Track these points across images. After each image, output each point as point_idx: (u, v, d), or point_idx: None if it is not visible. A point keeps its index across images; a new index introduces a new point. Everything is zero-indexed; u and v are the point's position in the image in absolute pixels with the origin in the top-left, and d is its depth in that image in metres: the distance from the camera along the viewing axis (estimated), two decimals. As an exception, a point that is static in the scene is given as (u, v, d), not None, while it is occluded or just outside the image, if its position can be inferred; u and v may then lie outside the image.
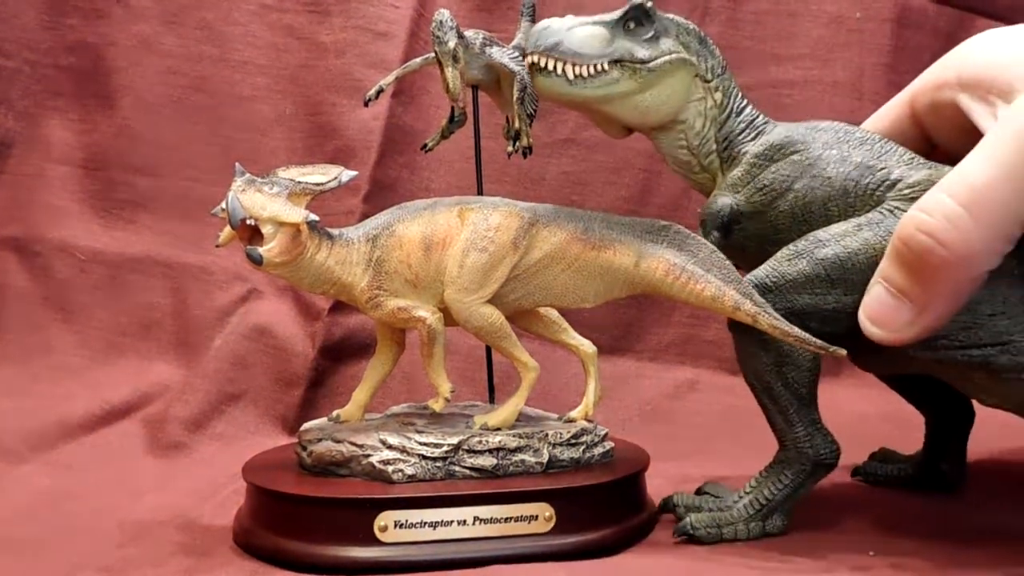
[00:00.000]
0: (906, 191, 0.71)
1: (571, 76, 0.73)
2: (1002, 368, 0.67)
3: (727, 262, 0.71)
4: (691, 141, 0.78)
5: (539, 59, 0.73)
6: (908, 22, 1.28)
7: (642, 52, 0.74)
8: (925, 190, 0.70)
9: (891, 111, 0.82)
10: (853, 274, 0.70)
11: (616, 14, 0.74)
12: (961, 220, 0.61)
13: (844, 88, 1.26)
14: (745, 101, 0.79)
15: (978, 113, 0.68)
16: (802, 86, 1.25)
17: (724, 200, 0.76)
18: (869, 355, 0.73)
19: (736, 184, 0.76)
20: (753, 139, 0.77)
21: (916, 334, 0.65)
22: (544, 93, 0.76)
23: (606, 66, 0.73)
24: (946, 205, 0.62)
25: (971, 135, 0.66)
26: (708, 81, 0.77)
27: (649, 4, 0.74)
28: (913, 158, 0.74)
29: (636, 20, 0.74)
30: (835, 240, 0.71)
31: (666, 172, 1.23)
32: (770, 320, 0.69)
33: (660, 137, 0.79)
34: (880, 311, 0.66)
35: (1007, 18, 1.34)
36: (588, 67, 0.73)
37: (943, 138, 0.77)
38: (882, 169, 0.72)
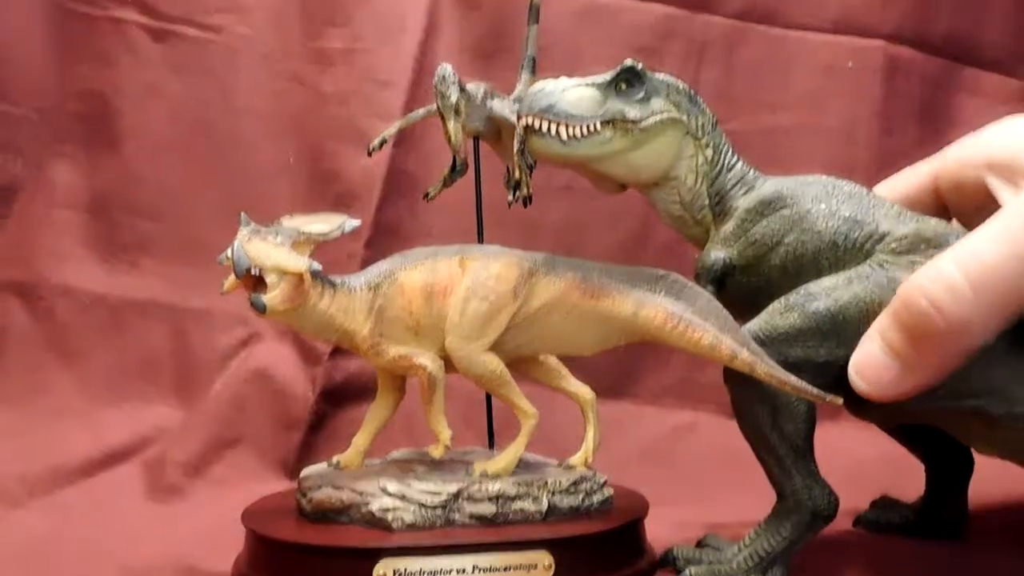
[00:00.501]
0: (893, 244, 0.73)
1: (564, 137, 0.74)
2: (996, 417, 0.68)
3: (724, 311, 0.72)
4: (684, 196, 0.80)
5: (533, 121, 0.74)
6: (898, 71, 1.31)
7: (633, 112, 0.75)
8: (912, 243, 0.72)
9: (911, 182, 0.82)
10: (844, 327, 0.71)
11: (608, 76, 0.76)
12: (963, 293, 0.62)
13: (837, 135, 1.28)
14: (736, 156, 0.81)
15: (1005, 195, 0.69)
16: (797, 133, 1.28)
17: (717, 254, 0.78)
18: (865, 405, 0.74)
19: (728, 238, 0.78)
20: (744, 194, 0.79)
21: (900, 393, 0.66)
22: (539, 153, 0.77)
23: (598, 126, 0.74)
24: (951, 276, 0.62)
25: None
26: (699, 138, 0.79)
27: (640, 66, 0.76)
28: (901, 212, 0.76)
29: (627, 81, 0.76)
30: (826, 294, 0.72)
31: (663, 218, 1.25)
32: (767, 369, 0.69)
33: (654, 193, 0.81)
34: (869, 366, 0.67)
35: (993, 68, 1.37)
36: (581, 128, 0.74)
37: (964, 216, 0.77)
38: (870, 223, 0.74)
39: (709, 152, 0.79)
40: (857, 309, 0.71)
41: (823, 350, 0.72)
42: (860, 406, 0.76)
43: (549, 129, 0.74)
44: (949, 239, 0.71)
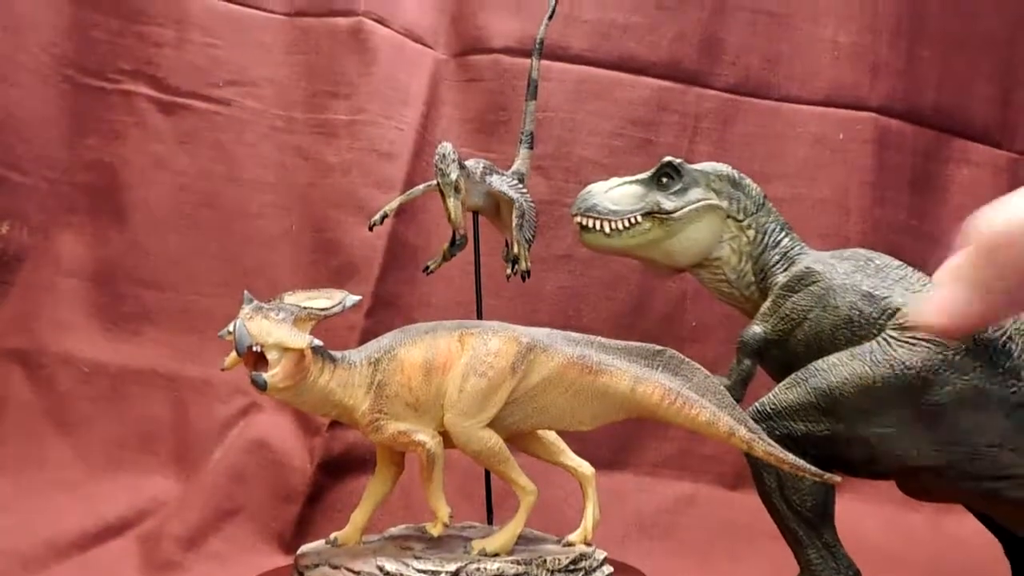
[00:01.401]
0: (901, 320, 0.73)
1: (607, 230, 0.83)
2: (1014, 501, 0.68)
3: (721, 388, 0.73)
4: (729, 275, 0.84)
5: (581, 219, 0.84)
6: (888, 143, 1.35)
7: (668, 203, 0.82)
8: None
9: None
10: (840, 403, 0.71)
11: (650, 172, 0.84)
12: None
13: (830, 205, 1.31)
14: (783, 232, 0.85)
15: None
16: (790, 203, 1.30)
17: (755, 329, 0.81)
18: (908, 485, 0.73)
19: (765, 314, 0.81)
20: (785, 270, 0.82)
21: (967, 317, 0.54)
22: (589, 246, 0.86)
23: (638, 219, 0.82)
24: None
25: None
26: (740, 220, 0.84)
27: (677, 161, 0.84)
28: (924, 284, 0.76)
29: (667, 175, 0.84)
30: (828, 370, 0.73)
31: (660, 286, 1.26)
32: (764, 447, 0.70)
33: (701, 274, 0.86)
34: (934, 299, 0.57)
35: (981, 139, 1.40)
36: (622, 221, 0.82)
37: None
38: (885, 298, 0.75)
39: (751, 232, 0.84)
40: (853, 386, 0.71)
41: (823, 425, 0.72)
42: (905, 488, 0.75)
43: (594, 225, 0.83)
44: None
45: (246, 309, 0.71)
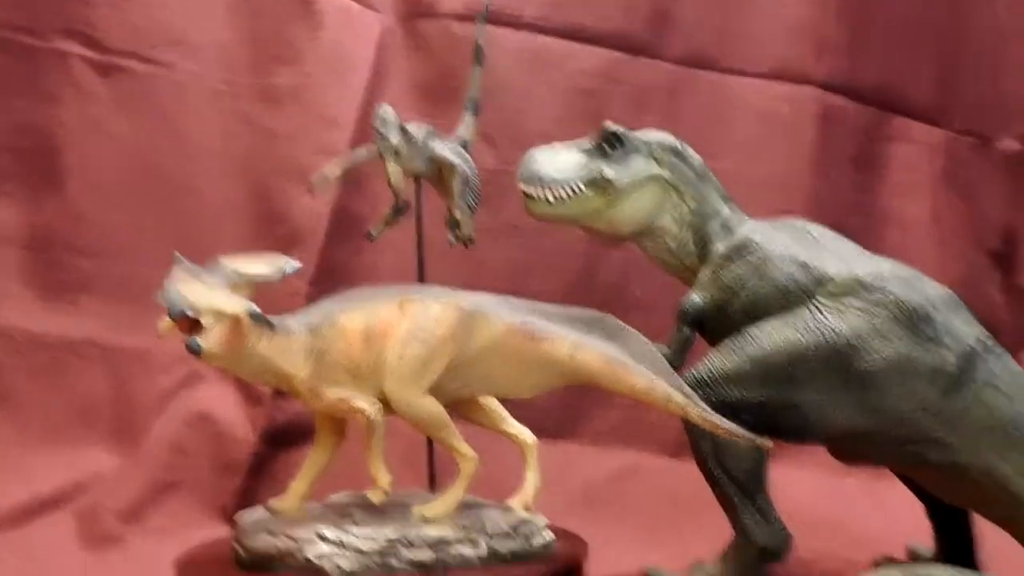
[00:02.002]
0: (832, 288, 0.75)
1: (551, 199, 0.82)
2: (938, 466, 0.70)
3: (658, 354, 0.74)
4: (670, 245, 0.84)
5: (524, 187, 0.83)
6: (831, 119, 1.36)
7: (611, 172, 0.82)
8: (849, 287, 0.73)
9: None
10: (773, 370, 0.73)
11: (593, 139, 0.84)
12: None
13: (774, 180, 1.32)
14: (724, 202, 0.85)
15: None
16: (734, 177, 1.29)
17: (694, 298, 0.81)
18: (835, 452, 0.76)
19: (704, 283, 0.81)
20: (725, 239, 0.82)
21: None
22: (532, 215, 0.85)
23: (582, 187, 0.81)
24: None
25: None
26: (681, 190, 0.84)
27: (620, 130, 0.83)
28: (860, 254, 0.77)
29: (610, 143, 0.83)
30: (762, 336, 0.74)
31: (606, 257, 1.27)
32: (699, 412, 0.71)
33: (643, 243, 0.86)
34: None
35: (922, 117, 1.44)
36: (565, 190, 0.81)
37: None
38: (819, 267, 0.76)
39: (692, 202, 0.84)
40: (785, 353, 0.73)
41: (756, 392, 0.74)
42: (835, 453, 0.78)
43: (537, 194, 0.82)
44: (887, 283, 0.73)
45: (177, 272, 0.70)
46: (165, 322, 0.71)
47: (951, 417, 0.69)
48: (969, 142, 1.48)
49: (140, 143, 1.19)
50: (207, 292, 0.69)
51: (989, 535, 0.77)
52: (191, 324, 0.70)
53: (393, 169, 0.80)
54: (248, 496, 1.04)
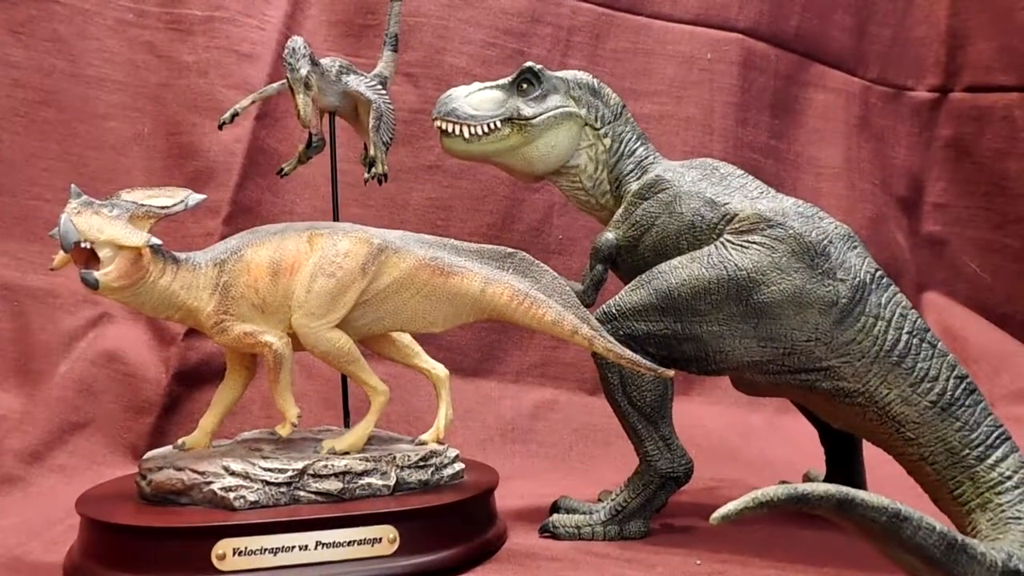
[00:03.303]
0: (737, 224, 0.77)
1: (467, 135, 0.82)
2: (827, 393, 0.73)
3: (568, 289, 0.75)
4: (585, 183, 0.85)
5: (440, 123, 0.83)
6: (753, 65, 1.38)
7: (528, 110, 0.83)
8: (753, 223, 0.75)
9: None
10: (677, 303, 0.75)
11: (511, 77, 0.84)
12: None
13: (695, 123, 1.34)
14: (639, 142, 0.86)
15: None
16: (657, 120, 1.33)
17: (607, 236, 0.83)
18: (736, 382, 0.79)
19: (618, 221, 0.83)
20: (638, 179, 0.83)
21: None
22: (448, 151, 0.85)
23: (498, 124, 0.82)
24: None
25: None
26: (597, 129, 0.85)
27: (538, 67, 0.84)
28: (764, 192, 0.80)
29: (527, 81, 0.84)
30: (669, 272, 0.76)
31: (528, 198, 1.27)
32: (604, 343, 0.72)
33: (559, 181, 0.87)
34: None
35: (837, 65, 1.47)
36: (481, 126, 0.82)
37: None
38: (725, 204, 0.78)
39: (607, 141, 0.85)
40: (690, 287, 0.75)
41: (661, 325, 0.76)
42: (737, 383, 0.81)
43: (454, 130, 0.82)
44: (788, 219, 0.75)
45: (73, 204, 0.67)
46: (60, 255, 0.69)
47: (841, 346, 0.72)
48: (883, 91, 1.52)
49: (38, 73, 1.13)
50: (105, 224, 0.67)
51: (882, 463, 0.82)
52: (87, 257, 0.67)
53: (303, 101, 0.78)
54: (160, 436, 1.03)
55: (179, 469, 0.70)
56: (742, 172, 0.82)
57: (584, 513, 0.80)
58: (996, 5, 1.51)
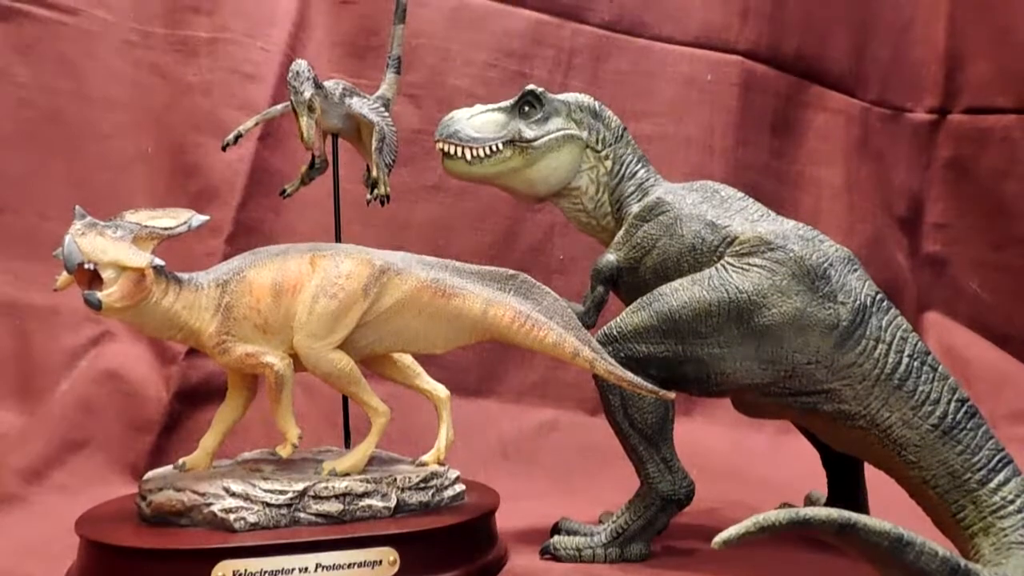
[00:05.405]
0: (738, 247, 0.77)
1: (469, 157, 0.83)
2: (829, 415, 0.73)
3: (569, 310, 0.75)
4: (586, 205, 0.86)
5: (442, 145, 0.84)
6: (753, 86, 1.39)
7: (529, 132, 0.83)
8: (753, 246, 0.76)
9: None
10: (679, 326, 0.75)
11: (513, 100, 0.85)
12: None
13: (696, 144, 1.35)
14: (640, 164, 0.86)
15: None
16: (658, 141, 1.33)
17: (609, 257, 0.83)
18: (737, 404, 0.79)
19: (619, 243, 0.84)
20: (639, 200, 0.84)
21: None
22: (450, 173, 0.86)
23: (500, 146, 0.83)
24: None
25: None
26: (599, 151, 0.85)
27: (539, 90, 0.85)
28: (764, 215, 0.80)
29: (529, 104, 0.85)
30: (670, 294, 0.76)
31: (529, 218, 1.28)
32: (605, 366, 0.73)
33: (560, 203, 0.88)
34: None
35: (837, 86, 1.48)
36: (483, 148, 0.83)
37: None
38: (726, 226, 0.79)
39: (608, 163, 0.85)
40: (691, 309, 0.75)
41: (663, 347, 0.76)
42: (738, 405, 0.81)
43: (455, 152, 0.83)
44: (788, 242, 0.75)
45: (77, 225, 0.67)
46: (63, 276, 0.69)
47: (842, 369, 0.72)
48: (881, 112, 1.53)
49: (43, 93, 1.13)
50: (108, 245, 0.67)
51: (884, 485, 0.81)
52: (90, 278, 0.68)
53: (306, 123, 0.79)
54: (160, 455, 1.03)
55: (179, 490, 0.70)
56: (743, 195, 0.83)
57: (585, 535, 0.80)
58: (994, 26, 1.52)
